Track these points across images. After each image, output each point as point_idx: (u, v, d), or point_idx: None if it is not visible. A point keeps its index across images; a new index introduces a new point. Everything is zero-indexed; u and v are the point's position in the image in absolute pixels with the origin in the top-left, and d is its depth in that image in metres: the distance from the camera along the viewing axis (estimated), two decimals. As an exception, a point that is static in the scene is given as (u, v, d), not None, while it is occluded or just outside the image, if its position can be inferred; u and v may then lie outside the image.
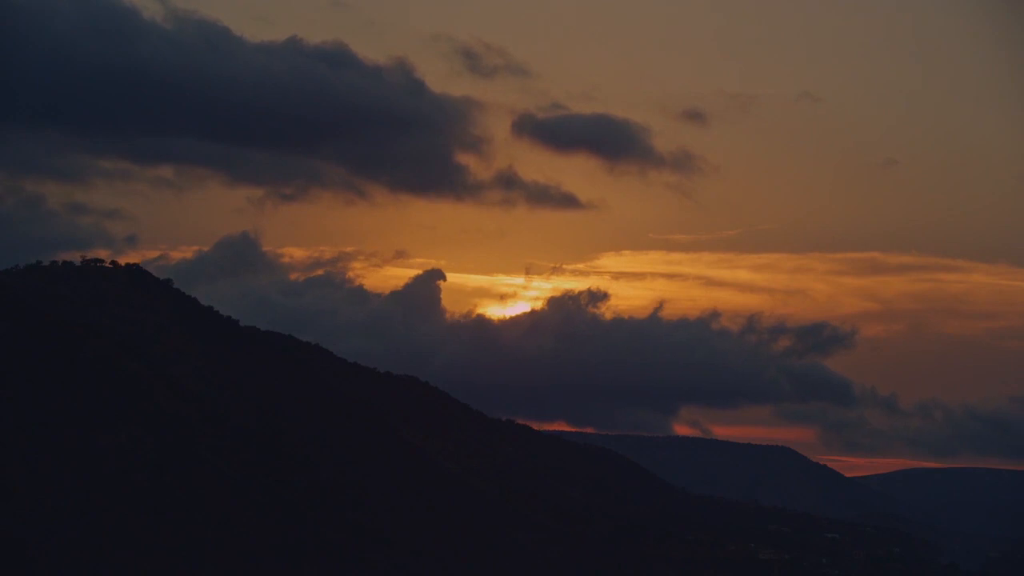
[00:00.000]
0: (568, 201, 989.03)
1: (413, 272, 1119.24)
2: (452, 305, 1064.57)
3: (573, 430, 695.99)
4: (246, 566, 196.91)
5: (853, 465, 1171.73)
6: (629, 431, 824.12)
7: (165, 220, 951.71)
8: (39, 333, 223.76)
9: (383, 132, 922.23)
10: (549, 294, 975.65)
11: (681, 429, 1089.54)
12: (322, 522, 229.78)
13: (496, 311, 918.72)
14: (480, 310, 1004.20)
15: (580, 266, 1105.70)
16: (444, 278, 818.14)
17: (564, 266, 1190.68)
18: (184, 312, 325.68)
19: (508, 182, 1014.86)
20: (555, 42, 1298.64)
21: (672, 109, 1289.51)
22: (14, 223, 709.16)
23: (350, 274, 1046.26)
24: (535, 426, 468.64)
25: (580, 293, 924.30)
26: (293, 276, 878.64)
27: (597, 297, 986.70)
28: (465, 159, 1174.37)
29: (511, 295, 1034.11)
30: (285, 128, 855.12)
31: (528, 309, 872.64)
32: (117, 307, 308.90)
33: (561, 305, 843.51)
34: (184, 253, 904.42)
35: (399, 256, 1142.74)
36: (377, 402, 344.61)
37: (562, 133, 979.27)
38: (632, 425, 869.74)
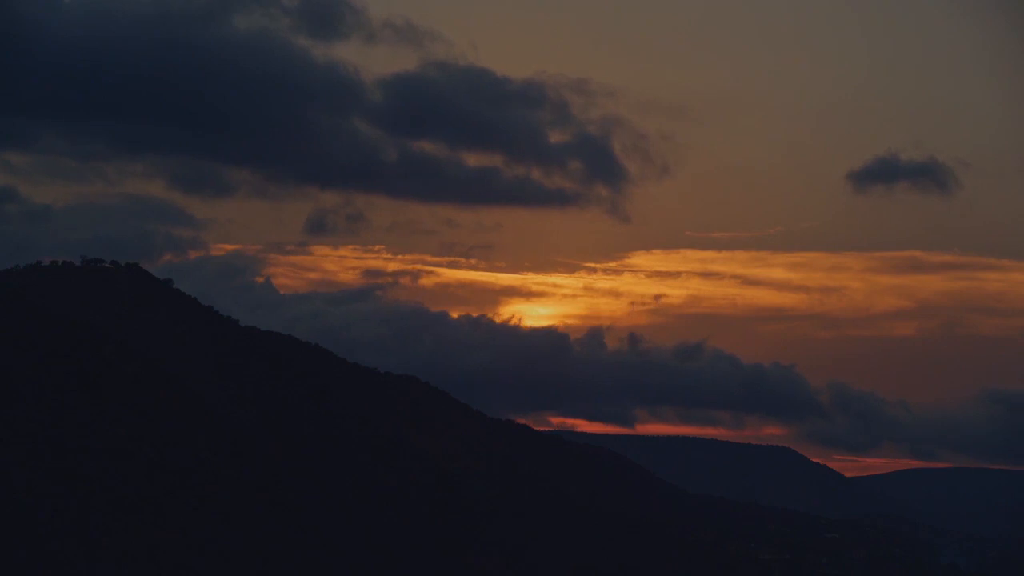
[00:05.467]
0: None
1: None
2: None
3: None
4: (246, 566, 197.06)
5: (853, 465, 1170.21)
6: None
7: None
8: (39, 333, 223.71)
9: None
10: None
11: (685, 430, 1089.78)
12: (322, 522, 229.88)
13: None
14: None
15: (612, 264, 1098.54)
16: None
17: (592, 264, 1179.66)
18: (184, 312, 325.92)
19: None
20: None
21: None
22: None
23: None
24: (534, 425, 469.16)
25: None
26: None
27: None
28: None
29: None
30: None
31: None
32: (117, 307, 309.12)
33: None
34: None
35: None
36: (377, 402, 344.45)
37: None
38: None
